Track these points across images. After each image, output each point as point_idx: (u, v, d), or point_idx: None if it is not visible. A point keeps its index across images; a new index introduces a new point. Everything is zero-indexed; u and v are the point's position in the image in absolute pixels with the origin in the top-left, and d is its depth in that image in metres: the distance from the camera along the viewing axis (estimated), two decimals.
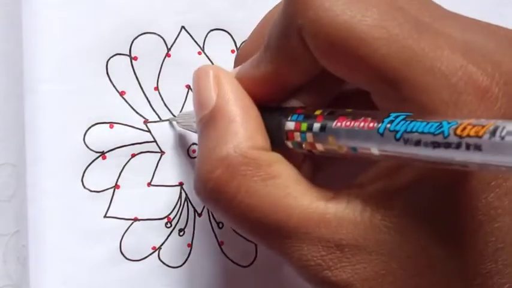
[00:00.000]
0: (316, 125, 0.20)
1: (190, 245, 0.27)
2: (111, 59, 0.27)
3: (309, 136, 0.20)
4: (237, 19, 0.28)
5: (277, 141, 0.21)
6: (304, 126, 0.20)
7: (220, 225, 0.28)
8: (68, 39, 0.26)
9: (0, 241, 0.27)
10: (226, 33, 0.28)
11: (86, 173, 0.26)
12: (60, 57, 0.26)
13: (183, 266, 0.27)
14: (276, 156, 0.21)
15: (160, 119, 0.27)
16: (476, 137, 0.15)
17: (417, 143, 0.16)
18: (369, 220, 0.18)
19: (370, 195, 0.19)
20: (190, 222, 0.27)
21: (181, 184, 0.27)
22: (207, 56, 0.28)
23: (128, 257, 0.26)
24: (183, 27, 0.28)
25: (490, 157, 0.14)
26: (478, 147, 0.15)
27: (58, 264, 0.26)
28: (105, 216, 0.26)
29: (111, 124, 0.27)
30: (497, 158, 0.14)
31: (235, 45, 0.28)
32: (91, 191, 0.26)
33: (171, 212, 0.27)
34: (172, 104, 0.28)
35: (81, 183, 0.26)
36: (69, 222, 0.26)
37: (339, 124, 0.19)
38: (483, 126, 0.15)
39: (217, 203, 0.21)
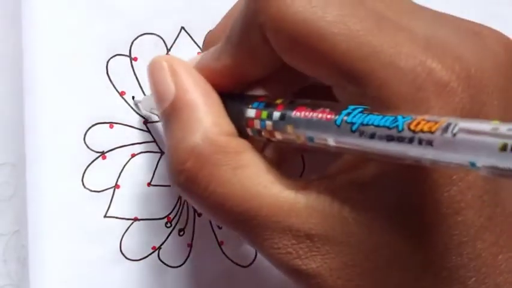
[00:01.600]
0: (276, 114, 0.20)
1: (190, 245, 0.27)
2: (111, 59, 0.27)
3: (269, 124, 0.20)
4: None
5: (238, 128, 0.21)
6: (264, 114, 0.20)
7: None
8: (68, 39, 0.26)
9: (0, 241, 0.27)
10: None
11: (86, 173, 0.26)
12: (60, 57, 0.26)
13: (183, 266, 0.27)
14: (243, 143, 0.21)
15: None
16: (429, 133, 0.15)
17: (372, 136, 0.16)
18: (337, 212, 0.19)
19: (339, 187, 0.19)
20: (190, 222, 0.27)
21: None
22: None
23: (128, 256, 0.26)
24: (182, 27, 0.28)
25: (441, 153, 0.15)
26: (429, 143, 0.15)
27: (58, 264, 0.26)
28: (105, 216, 0.26)
29: (111, 124, 0.27)
30: (448, 155, 0.15)
31: None
32: (91, 191, 0.26)
33: (171, 211, 0.27)
34: None
35: (81, 183, 0.26)
36: (69, 222, 0.26)
37: (298, 114, 0.19)
38: (436, 122, 0.15)
39: (191, 194, 0.21)
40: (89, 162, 0.26)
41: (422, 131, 0.15)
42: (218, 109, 0.21)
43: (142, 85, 0.27)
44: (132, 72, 0.27)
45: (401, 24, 0.19)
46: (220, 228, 0.28)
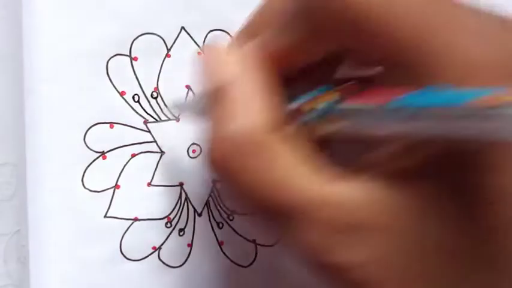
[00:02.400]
0: (325, 104, 0.19)
1: (190, 245, 0.27)
2: (111, 59, 0.27)
3: (315, 115, 0.20)
4: (237, 19, 0.28)
5: (285, 117, 0.21)
6: (314, 104, 0.20)
7: (220, 225, 0.28)
8: (68, 39, 0.27)
9: (1, 241, 0.27)
10: (226, 34, 0.28)
11: (86, 173, 0.26)
12: (60, 57, 0.26)
13: (183, 266, 0.27)
14: (282, 136, 0.21)
15: (160, 119, 0.27)
16: (490, 108, 0.14)
17: (427, 116, 0.16)
18: (383, 200, 0.18)
19: (383, 176, 0.19)
20: (190, 222, 0.27)
21: (181, 184, 0.27)
22: None
23: (128, 257, 0.26)
24: (182, 27, 0.28)
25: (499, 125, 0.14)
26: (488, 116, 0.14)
27: (58, 264, 0.26)
28: (105, 216, 0.26)
29: (111, 124, 0.27)
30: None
31: None
32: (91, 191, 0.26)
33: (171, 212, 0.27)
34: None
35: (81, 183, 0.26)
36: (69, 222, 0.26)
37: (348, 101, 0.18)
38: (500, 98, 0.14)
39: (224, 179, 0.21)
40: (89, 162, 0.26)
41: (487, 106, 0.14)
42: (266, 101, 0.21)
43: (142, 85, 0.27)
44: (132, 72, 0.27)
45: (458, 12, 0.19)
46: (220, 228, 0.28)
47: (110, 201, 0.26)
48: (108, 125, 0.27)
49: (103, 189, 0.26)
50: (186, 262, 0.27)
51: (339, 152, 0.22)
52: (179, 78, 0.28)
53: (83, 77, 0.27)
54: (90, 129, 0.26)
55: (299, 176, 0.20)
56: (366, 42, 0.19)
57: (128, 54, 0.27)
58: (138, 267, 0.27)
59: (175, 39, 0.28)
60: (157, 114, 0.27)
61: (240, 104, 0.21)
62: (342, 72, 0.22)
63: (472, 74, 0.17)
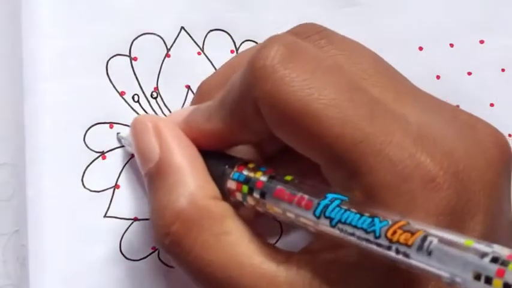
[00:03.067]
0: (257, 191, 0.20)
1: None
2: (111, 59, 0.27)
3: (250, 199, 0.20)
4: (237, 19, 0.28)
5: (221, 190, 0.22)
6: (245, 188, 0.21)
7: None
8: (68, 39, 0.26)
9: (0, 240, 0.27)
10: (226, 34, 0.28)
11: (86, 173, 0.26)
12: (60, 57, 0.26)
13: None
14: (227, 208, 0.21)
15: None
16: (405, 245, 0.15)
17: (351, 234, 0.17)
18: (316, 283, 0.19)
19: (321, 264, 0.19)
20: None
21: None
22: (206, 56, 0.28)
23: (127, 257, 0.26)
24: (182, 27, 0.28)
25: (419, 263, 0.15)
26: (406, 255, 0.15)
27: (58, 264, 0.26)
28: (105, 216, 0.26)
29: (111, 124, 0.27)
30: (426, 266, 0.15)
31: (235, 46, 0.28)
32: (91, 190, 0.26)
33: None
34: (172, 104, 0.28)
35: (81, 183, 0.26)
36: (69, 222, 0.26)
37: (277, 195, 0.19)
38: (412, 234, 0.15)
39: (176, 257, 0.21)
40: (89, 162, 0.26)
41: (399, 241, 0.15)
42: (202, 171, 0.22)
43: (142, 85, 0.27)
44: (132, 72, 0.27)
45: (396, 110, 0.19)
46: None
47: (109, 201, 0.26)
48: (108, 125, 0.27)
49: (103, 189, 0.26)
50: None
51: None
52: (179, 78, 0.28)
53: (83, 77, 0.27)
54: (90, 129, 0.26)
55: (249, 253, 0.20)
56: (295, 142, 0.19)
57: (128, 54, 0.27)
58: (138, 267, 0.27)
59: (175, 39, 0.28)
60: (157, 114, 0.27)
61: (183, 177, 0.21)
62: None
63: (385, 184, 0.18)
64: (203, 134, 0.22)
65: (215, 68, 0.28)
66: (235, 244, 0.20)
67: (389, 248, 0.16)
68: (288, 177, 0.20)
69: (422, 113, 0.19)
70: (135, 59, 0.27)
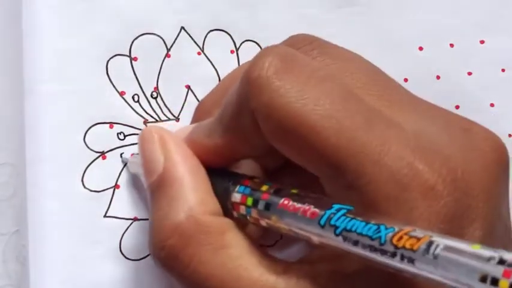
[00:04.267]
0: (262, 202, 0.20)
1: None
2: (111, 59, 0.27)
3: (254, 212, 0.20)
4: (237, 19, 0.28)
5: (224, 206, 0.22)
6: (249, 200, 0.20)
7: None
8: (68, 39, 0.27)
9: (0, 240, 0.27)
10: (226, 34, 0.28)
11: (86, 173, 0.26)
12: (60, 57, 0.26)
13: None
14: (228, 223, 0.21)
15: (160, 119, 0.27)
16: (411, 250, 0.15)
17: (355, 243, 0.17)
18: None
19: (320, 275, 0.19)
20: None
21: None
22: (206, 56, 0.28)
23: (127, 256, 0.26)
24: (182, 27, 0.28)
25: (423, 270, 0.15)
26: (411, 261, 0.15)
27: (58, 264, 0.26)
28: (105, 216, 0.26)
29: (111, 124, 0.27)
30: (430, 273, 0.15)
31: (235, 46, 0.28)
32: (91, 190, 0.26)
33: None
34: (172, 104, 0.28)
35: (81, 183, 0.26)
36: (69, 222, 0.26)
37: (283, 206, 0.19)
38: (418, 240, 0.15)
39: (172, 271, 0.21)
40: (89, 162, 0.26)
41: (404, 247, 0.15)
42: (205, 186, 0.22)
43: (142, 85, 0.27)
44: (132, 72, 0.27)
45: (392, 119, 0.19)
46: None
47: (109, 201, 0.26)
48: (108, 125, 0.27)
49: (103, 189, 0.26)
50: None
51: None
52: (179, 78, 0.28)
53: (82, 77, 0.27)
54: (90, 129, 0.26)
55: (247, 266, 0.20)
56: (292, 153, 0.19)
57: (128, 54, 0.27)
58: (138, 267, 0.27)
59: (175, 39, 0.28)
60: (157, 114, 0.27)
61: (184, 191, 0.21)
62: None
63: (382, 197, 0.18)
64: (205, 151, 0.22)
65: (215, 68, 0.28)
66: (234, 257, 0.20)
67: (394, 255, 0.16)
68: (294, 190, 0.20)
69: (417, 120, 0.19)
70: (135, 59, 0.27)
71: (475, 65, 0.30)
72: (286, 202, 0.19)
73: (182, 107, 0.28)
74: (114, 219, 0.26)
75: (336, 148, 0.18)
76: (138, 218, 0.27)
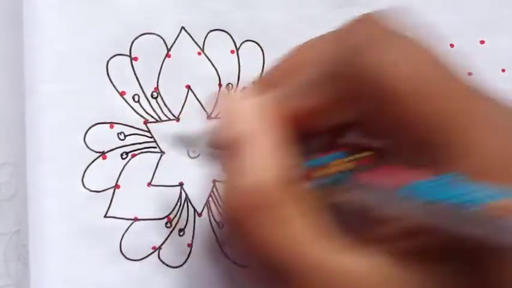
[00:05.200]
0: (343, 173, 0.20)
1: (190, 245, 0.27)
2: (112, 59, 0.27)
3: (330, 182, 0.20)
4: (237, 20, 0.29)
5: (302, 175, 0.21)
6: (329, 170, 0.20)
7: (221, 225, 0.28)
8: (68, 39, 0.27)
9: (1, 240, 0.27)
10: (226, 34, 0.29)
11: (86, 173, 0.26)
12: (60, 57, 0.26)
13: (183, 266, 0.27)
14: (297, 195, 0.20)
15: (160, 119, 0.27)
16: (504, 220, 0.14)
17: (440, 214, 0.16)
18: (397, 277, 0.18)
19: (393, 253, 0.18)
20: (190, 222, 0.27)
21: (181, 184, 0.28)
22: (206, 56, 0.28)
23: (128, 256, 0.26)
24: (183, 27, 0.28)
25: None
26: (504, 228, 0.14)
27: (58, 264, 0.26)
28: (105, 216, 0.26)
29: (111, 124, 0.27)
30: None
31: (235, 46, 0.28)
32: (91, 190, 0.26)
33: (171, 212, 0.27)
34: (172, 104, 0.28)
35: (81, 183, 0.26)
36: (69, 222, 0.26)
37: (363, 177, 0.19)
38: None
39: (236, 232, 0.20)
40: (89, 162, 0.26)
41: (498, 216, 0.14)
42: (282, 155, 0.21)
43: (142, 85, 0.27)
44: (132, 72, 0.27)
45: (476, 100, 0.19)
46: (220, 228, 0.28)
47: (110, 201, 0.27)
48: (108, 125, 0.27)
49: (103, 189, 0.26)
50: (186, 262, 0.27)
51: (348, 217, 0.22)
52: (179, 78, 0.28)
53: (83, 77, 0.27)
54: (90, 129, 0.26)
55: (307, 240, 0.19)
56: (389, 117, 0.19)
57: (128, 54, 0.27)
58: (138, 267, 0.27)
59: (175, 39, 0.28)
60: (157, 114, 0.27)
61: (257, 159, 0.20)
62: (349, 138, 0.22)
63: (489, 166, 0.17)
64: (300, 113, 0.21)
65: (215, 68, 0.28)
66: (297, 232, 0.19)
67: (483, 225, 0.14)
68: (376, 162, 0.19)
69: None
70: (136, 59, 0.27)
71: (475, 65, 0.30)
72: (368, 173, 0.19)
73: (182, 107, 0.28)
74: (114, 219, 0.26)
75: (445, 115, 0.18)
76: (138, 218, 0.27)
